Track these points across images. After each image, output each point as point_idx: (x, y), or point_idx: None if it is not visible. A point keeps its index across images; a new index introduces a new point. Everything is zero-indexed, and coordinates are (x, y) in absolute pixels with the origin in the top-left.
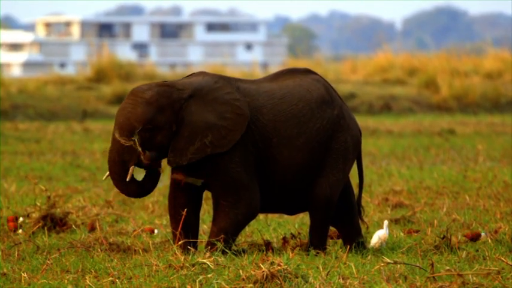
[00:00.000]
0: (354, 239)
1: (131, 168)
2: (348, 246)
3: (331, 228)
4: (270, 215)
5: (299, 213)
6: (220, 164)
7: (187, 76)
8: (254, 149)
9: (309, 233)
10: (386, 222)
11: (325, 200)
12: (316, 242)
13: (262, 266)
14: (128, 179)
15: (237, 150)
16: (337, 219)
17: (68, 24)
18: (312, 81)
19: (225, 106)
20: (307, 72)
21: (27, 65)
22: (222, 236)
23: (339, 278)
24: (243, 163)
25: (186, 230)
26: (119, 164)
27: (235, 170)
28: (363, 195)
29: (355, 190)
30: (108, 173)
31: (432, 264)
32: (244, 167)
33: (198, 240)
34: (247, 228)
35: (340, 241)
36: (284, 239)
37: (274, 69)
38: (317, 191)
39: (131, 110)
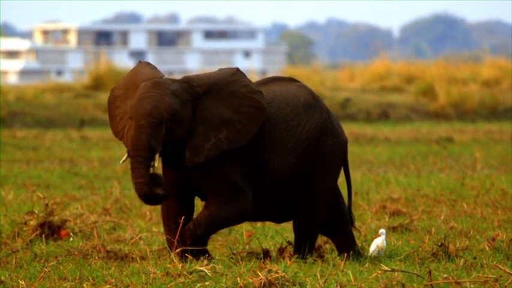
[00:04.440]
0: (349, 247)
1: (157, 155)
2: (346, 254)
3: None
4: (267, 223)
5: (286, 222)
6: (213, 168)
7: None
8: (245, 153)
9: (294, 241)
10: (383, 231)
11: (311, 207)
12: (305, 250)
13: (259, 273)
14: (156, 165)
15: (232, 153)
16: (330, 228)
17: (65, 31)
18: (297, 87)
19: (241, 100)
20: (292, 80)
21: (24, 73)
22: (206, 222)
23: (337, 286)
24: (235, 166)
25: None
26: (148, 149)
27: (229, 173)
28: (360, 203)
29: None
30: (125, 156)
31: (430, 272)
32: (237, 171)
33: (195, 248)
34: (245, 236)
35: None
36: (280, 249)
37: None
38: (302, 198)
39: (159, 99)
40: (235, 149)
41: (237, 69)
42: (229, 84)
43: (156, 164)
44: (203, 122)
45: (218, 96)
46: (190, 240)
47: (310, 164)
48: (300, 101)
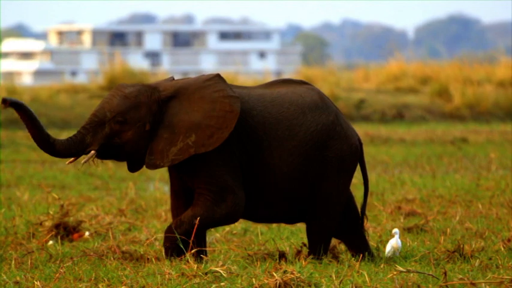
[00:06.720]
0: (362, 248)
1: (92, 152)
2: (361, 255)
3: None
4: (282, 224)
5: (298, 223)
6: (203, 166)
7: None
8: (242, 152)
9: (308, 244)
10: (396, 231)
11: (322, 209)
12: (320, 252)
13: (275, 274)
14: (82, 162)
15: (221, 153)
16: (342, 230)
17: (79, 32)
18: (306, 89)
19: (212, 104)
20: (302, 82)
21: (38, 74)
22: (190, 221)
23: (352, 287)
24: (227, 166)
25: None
26: (80, 139)
27: (219, 172)
28: (375, 203)
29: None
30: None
31: (445, 273)
32: (229, 170)
33: (209, 249)
34: (260, 237)
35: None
36: (297, 252)
37: (287, 77)
38: (312, 200)
39: (108, 100)
40: (226, 148)
41: (216, 75)
42: (200, 89)
43: (84, 162)
44: (169, 126)
45: (187, 101)
46: (168, 239)
47: (316, 166)
48: (306, 101)
